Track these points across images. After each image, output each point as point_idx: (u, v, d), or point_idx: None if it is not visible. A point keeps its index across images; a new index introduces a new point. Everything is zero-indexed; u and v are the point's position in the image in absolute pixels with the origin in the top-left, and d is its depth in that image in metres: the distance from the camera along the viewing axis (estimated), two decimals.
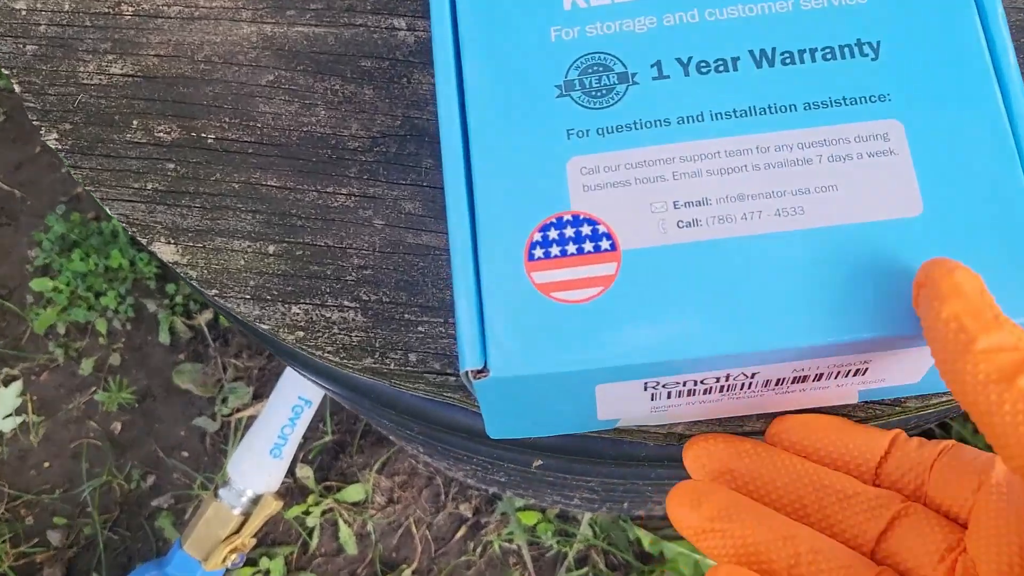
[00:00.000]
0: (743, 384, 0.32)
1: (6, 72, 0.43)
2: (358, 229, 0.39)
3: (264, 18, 0.43)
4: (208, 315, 0.94)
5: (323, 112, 0.41)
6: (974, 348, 0.24)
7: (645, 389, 0.32)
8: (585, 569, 0.85)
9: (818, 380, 0.33)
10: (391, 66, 0.41)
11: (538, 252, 0.30)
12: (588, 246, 0.30)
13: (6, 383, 0.95)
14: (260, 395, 0.93)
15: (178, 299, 0.95)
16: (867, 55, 0.32)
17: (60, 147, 0.42)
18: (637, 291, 0.30)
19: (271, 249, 0.39)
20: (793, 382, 0.33)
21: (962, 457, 0.30)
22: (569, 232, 0.30)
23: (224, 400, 0.93)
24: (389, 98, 0.41)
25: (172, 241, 0.40)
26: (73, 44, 0.43)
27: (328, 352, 0.38)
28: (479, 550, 0.87)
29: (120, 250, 0.94)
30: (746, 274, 0.30)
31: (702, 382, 0.31)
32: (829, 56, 0.32)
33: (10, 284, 0.99)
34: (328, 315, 0.38)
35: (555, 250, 0.30)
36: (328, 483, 0.90)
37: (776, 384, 0.32)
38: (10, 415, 0.94)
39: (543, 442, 0.42)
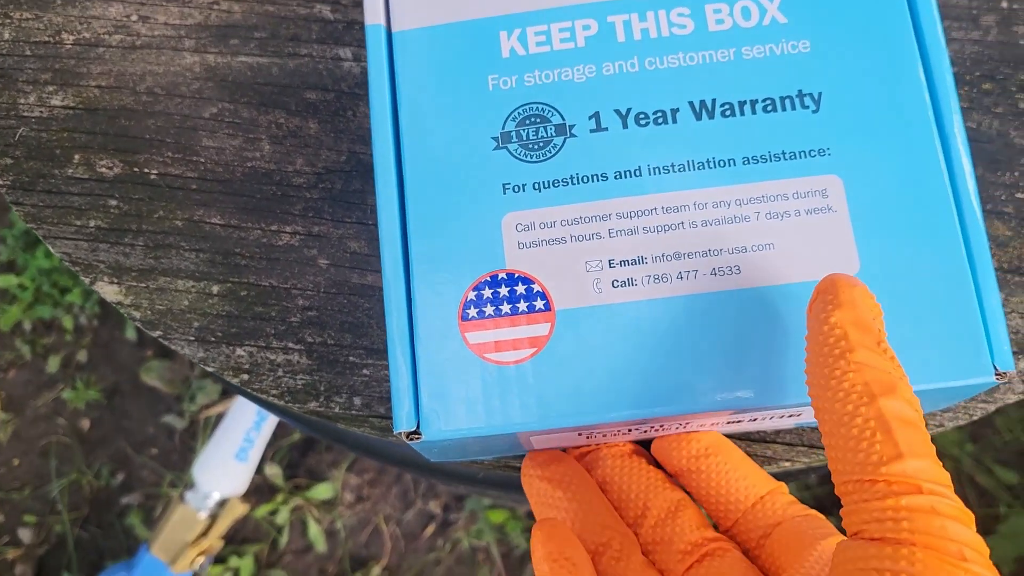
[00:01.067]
0: (677, 425, 0.32)
1: None
2: (303, 269, 0.39)
3: (207, 48, 0.42)
4: None
5: (267, 146, 0.40)
6: (849, 357, 0.24)
7: (579, 434, 0.32)
8: None
9: (752, 421, 0.33)
10: (336, 98, 0.41)
11: (472, 312, 0.30)
12: (522, 305, 0.30)
13: None
14: (228, 392, 0.93)
15: None
16: (808, 107, 0.31)
17: (1, 183, 0.41)
18: (569, 352, 0.30)
19: (215, 289, 0.39)
20: (727, 423, 0.33)
21: (811, 526, 0.30)
22: (503, 291, 0.30)
23: (192, 397, 0.93)
24: (334, 132, 0.40)
25: (115, 281, 0.39)
26: (13, 74, 0.42)
27: (273, 395, 0.37)
28: (448, 547, 0.88)
29: None
30: (678, 334, 0.30)
31: (637, 427, 0.31)
32: (770, 108, 0.31)
33: None
34: (273, 357, 0.38)
35: (489, 309, 0.30)
36: (297, 480, 0.90)
37: (711, 424, 0.33)
38: None
39: (499, 478, 0.42)
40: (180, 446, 0.93)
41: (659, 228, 0.30)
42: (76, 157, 0.41)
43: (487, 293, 0.30)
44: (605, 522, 0.31)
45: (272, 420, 0.80)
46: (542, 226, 0.31)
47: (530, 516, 0.87)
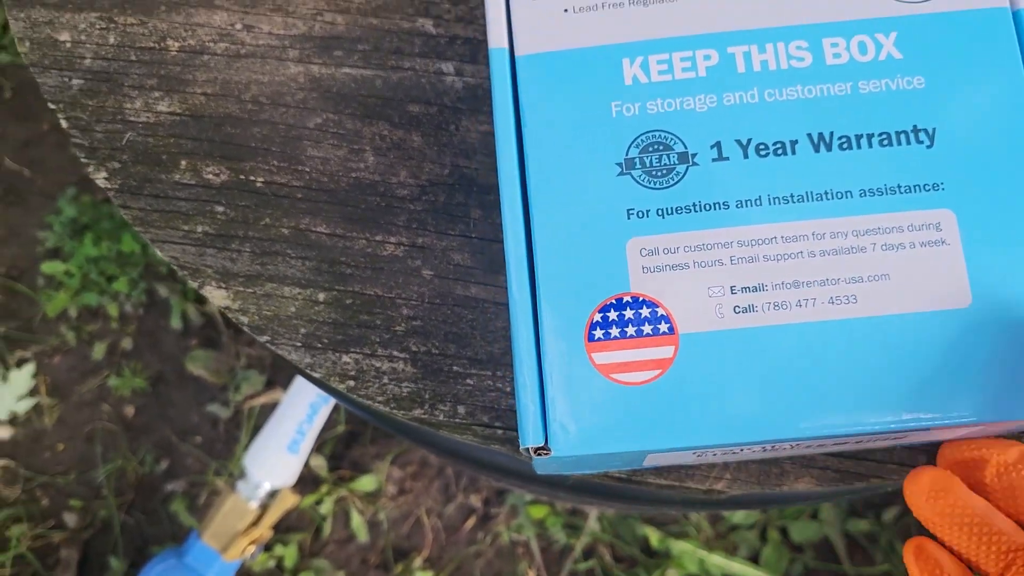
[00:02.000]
0: (790, 445, 0.33)
1: (52, 107, 0.43)
2: (407, 279, 0.40)
3: (311, 58, 0.43)
4: None
5: (371, 158, 0.41)
6: None
7: (695, 455, 0.33)
8: (592, 561, 0.88)
9: (857, 443, 0.34)
10: (439, 112, 0.42)
11: (598, 333, 0.31)
12: (647, 328, 0.31)
13: (19, 365, 0.95)
14: (273, 383, 0.94)
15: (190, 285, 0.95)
16: (923, 142, 0.32)
17: (109, 186, 0.42)
18: (693, 375, 0.31)
19: (321, 297, 0.40)
20: (833, 445, 0.34)
21: None
22: (629, 314, 0.31)
23: (237, 387, 0.94)
24: (437, 145, 0.41)
25: (223, 286, 0.40)
26: (119, 79, 0.43)
27: (379, 402, 0.39)
28: (488, 540, 0.89)
29: (132, 235, 0.94)
30: (798, 361, 0.31)
31: (749, 448, 0.32)
32: (885, 142, 0.32)
33: (20, 266, 0.99)
34: (378, 365, 0.39)
35: (615, 331, 0.31)
36: (341, 472, 0.92)
37: (819, 445, 0.34)
38: (24, 397, 0.95)
39: (578, 484, 0.43)
40: (224, 435, 0.94)
41: (779, 256, 0.31)
42: (183, 163, 0.42)
43: (613, 315, 0.31)
44: (1011, 537, 0.31)
45: (323, 414, 0.82)
46: (665, 251, 0.32)
47: (572, 513, 0.88)
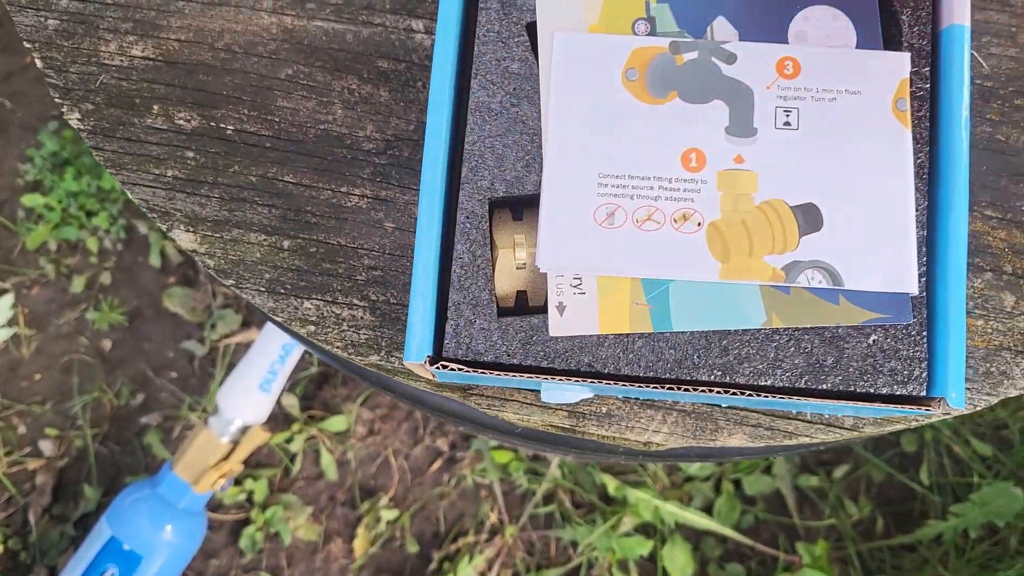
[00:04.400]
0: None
1: (27, 46, 0.44)
2: (370, 230, 0.41)
3: (284, 9, 0.43)
4: None
5: (340, 111, 0.42)
6: None
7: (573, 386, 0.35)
8: (552, 506, 0.91)
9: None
10: (407, 69, 0.43)
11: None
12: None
13: None
14: (248, 323, 0.95)
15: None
16: None
17: (82, 127, 0.43)
18: None
19: (286, 244, 0.41)
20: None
21: None
22: None
23: (213, 326, 0.96)
24: (404, 101, 0.42)
25: (191, 230, 0.42)
26: (95, 22, 0.44)
27: (337, 347, 0.40)
28: (453, 483, 0.92)
29: None
30: None
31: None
32: None
33: (0, 198, 1.00)
34: (338, 312, 0.40)
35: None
36: (312, 412, 0.94)
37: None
38: (2, 327, 0.96)
39: (529, 432, 0.45)
40: (199, 372, 0.96)
41: None
42: (155, 107, 0.43)
43: None
44: None
45: (295, 355, 0.83)
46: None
47: (534, 459, 0.91)
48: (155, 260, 0.98)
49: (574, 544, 0.91)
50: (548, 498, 0.92)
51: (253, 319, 0.97)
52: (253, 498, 0.92)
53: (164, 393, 0.96)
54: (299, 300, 0.41)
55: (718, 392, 0.33)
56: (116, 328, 0.98)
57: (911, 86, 0.35)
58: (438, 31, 0.35)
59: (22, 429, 0.95)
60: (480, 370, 0.33)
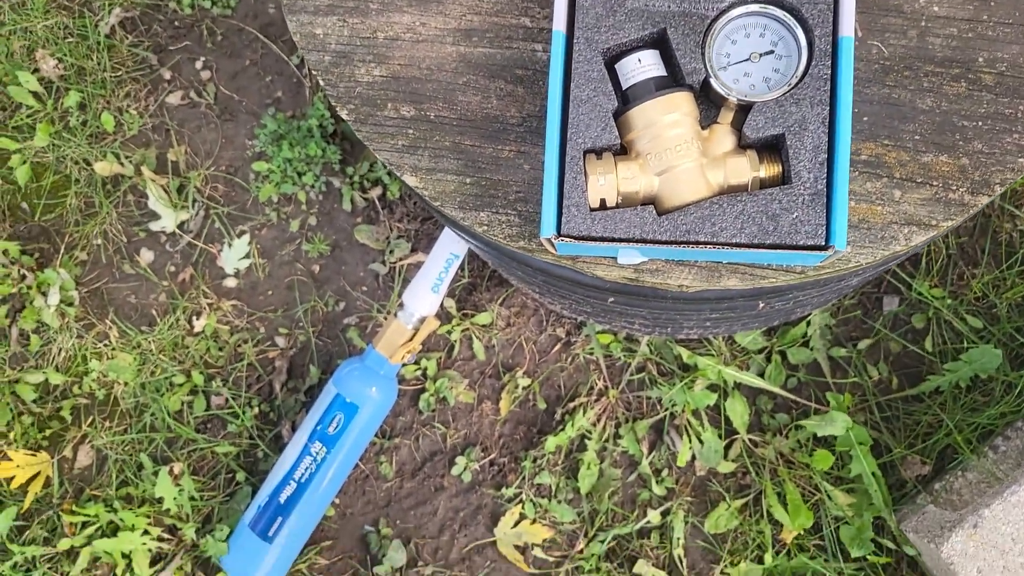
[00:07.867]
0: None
1: (314, 72, 0.72)
2: (516, 170, 0.68)
3: (459, 43, 0.70)
4: (378, 190, 1.26)
5: (495, 101, 0.69)
6: None
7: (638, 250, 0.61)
8: (643, 374, 1.17)
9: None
10: (533, 74, 0.69)
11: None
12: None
13: (239, 236, 1.29)
14: (417, 249, 1.25)
15: (355, 178, 1.26)
16: None
17: (349, 118, 0.71)
18: None
19: (468, 181, 0.68)
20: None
21: None
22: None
23: (391, 252, 1.25)
24: (531, 94, 0.69)
25: (413, 175, 0.70)
26: (351, 56, 0.72)
27: (500, 237, 0.68)
28: (569, 360, 1.20)
29: (315, 143, 1.24)
30: None
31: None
32: None
33: (236, 165, 1.32)
34: (500, 218, 0.68)
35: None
36: (465, 311, 1.23)
37: None
38: (243, 258, 1.28)
39: (612, 285, 0.71)
40: (383, 285, 1.26)
41: None
42: (389, 105, 0.71)
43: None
44: None
45: (455, 266, 1.11)
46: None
47: (628, 339, 1.18)
48: (347, 205, 1.29)
49: (659, 401, 1.17)
50: (640, 368, 1.19)
51: (420, 246, 1.26)
52: (427, 373, 1.23)
53: (359, 301, 1.27)
54: (476, 212, 0.68)
55: (711, 248, 0.59)
56: (322, 256, 1.29)
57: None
58: (552, 53, 0.61)
59: (262, 329, 1.29)
60: (583, 241, 0.59)
